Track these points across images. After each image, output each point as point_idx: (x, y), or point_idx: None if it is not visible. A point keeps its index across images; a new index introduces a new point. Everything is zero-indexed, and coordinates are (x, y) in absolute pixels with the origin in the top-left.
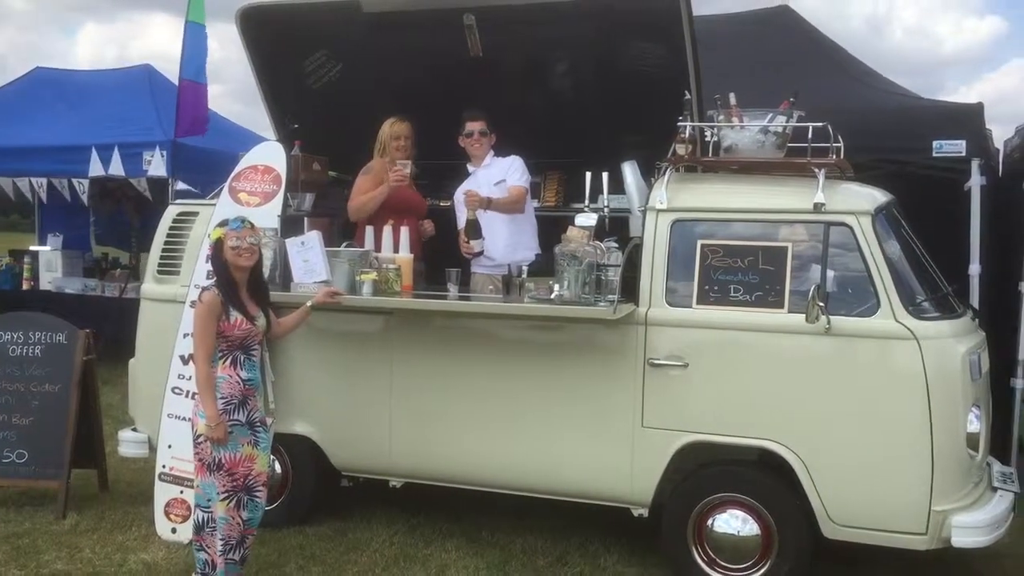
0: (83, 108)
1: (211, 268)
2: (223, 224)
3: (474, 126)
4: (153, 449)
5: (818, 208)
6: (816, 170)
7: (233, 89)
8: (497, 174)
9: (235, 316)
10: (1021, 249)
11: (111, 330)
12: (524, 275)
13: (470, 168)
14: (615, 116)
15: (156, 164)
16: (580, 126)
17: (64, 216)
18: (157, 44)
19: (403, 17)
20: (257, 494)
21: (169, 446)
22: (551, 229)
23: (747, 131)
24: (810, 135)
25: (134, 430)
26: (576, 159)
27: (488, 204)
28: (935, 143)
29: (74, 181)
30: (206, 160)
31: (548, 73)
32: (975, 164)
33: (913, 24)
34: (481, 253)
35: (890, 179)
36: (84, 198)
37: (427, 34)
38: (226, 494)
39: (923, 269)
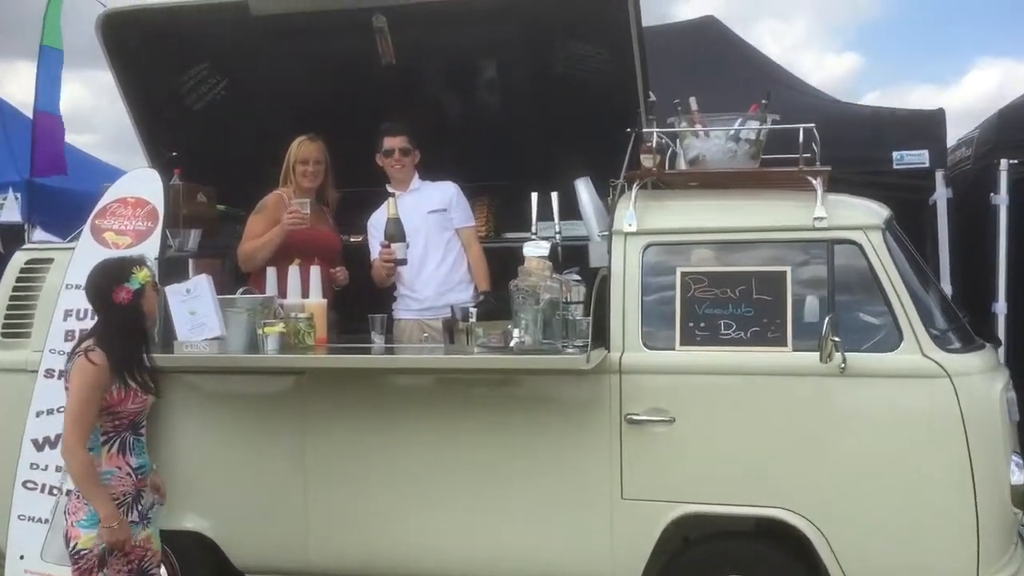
0: None
1: (106, 322)
2: (142, 264)
3: (394, 142)
4: (0, 557)
5: (818, 223)
6: (812, 179)
7: (107, 138)
8: (430, 201)
9: (130, 385)
10: (987, 267)
11: None
12: (472, 319)
13: (392, 192)
14: (552, 130)
15: (9, 208)
16: (511, 143)
17: None
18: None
19: (301, 21)
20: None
21: (21, 557)
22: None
23: (715, 139)
24: (801, 139)
25: None
26: (507, 180)
27: (487, 289)
28: (895, 154)
29: None
30: (69, 202)
31: (473, 83)
32: (940, 176)
33: (777, 59)
34: (404, 261)
35: (848, 192)
36: None
37: (331, 40)
38: None
39: (938, 293)
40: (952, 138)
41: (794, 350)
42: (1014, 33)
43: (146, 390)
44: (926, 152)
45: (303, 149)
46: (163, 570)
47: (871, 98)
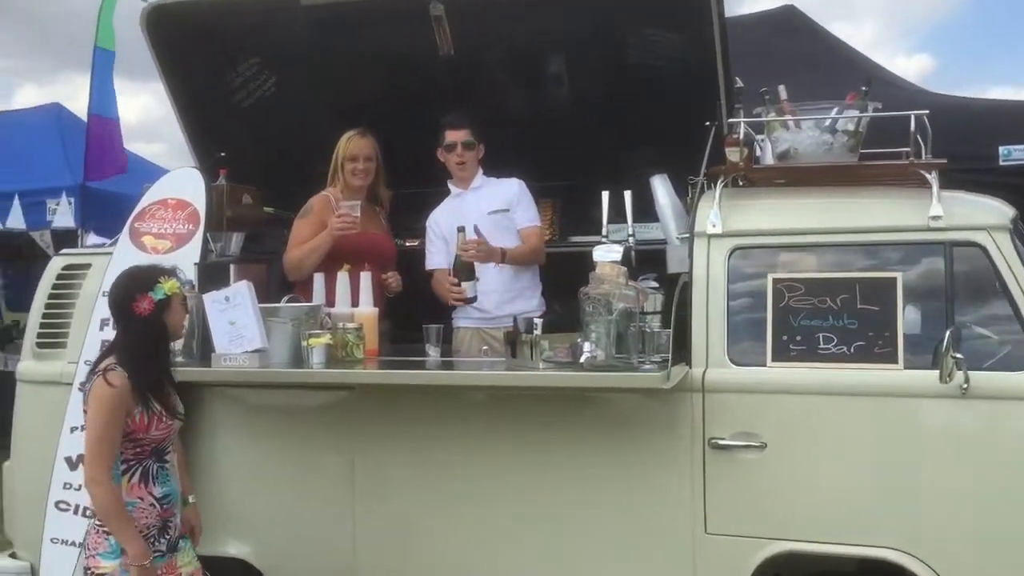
0: None
1: (126, 336)
2: (171, 274)
3: (456, 136)
4: None
5: (934, 223)
6: (926, 174)
7: (175, 147)
8: (492, 200)
9: (154, 409)
10: None
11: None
12: (537, 331)
13: (453, 189)
14: (623, 124)
15: (63, 213)
16: (579, 139)
17: None
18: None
19: (354, 11)
20: None
21: None
22: (547, 269)
23: (808, 131)
24: (912, 127)
25: (12, 555)
26: (574, 179)
27: (502, 257)
28: (1002, 149)
29: None
30: (122, 207)
31: (538, 74)
32: None
33: None
34: (475, 299)
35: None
36: None
37: (385, 31)
38: None
39: None
40: None
41: (906, 367)
42: None
43: (172, 415)
44: None
45: (352, 145)
46: None
47: None
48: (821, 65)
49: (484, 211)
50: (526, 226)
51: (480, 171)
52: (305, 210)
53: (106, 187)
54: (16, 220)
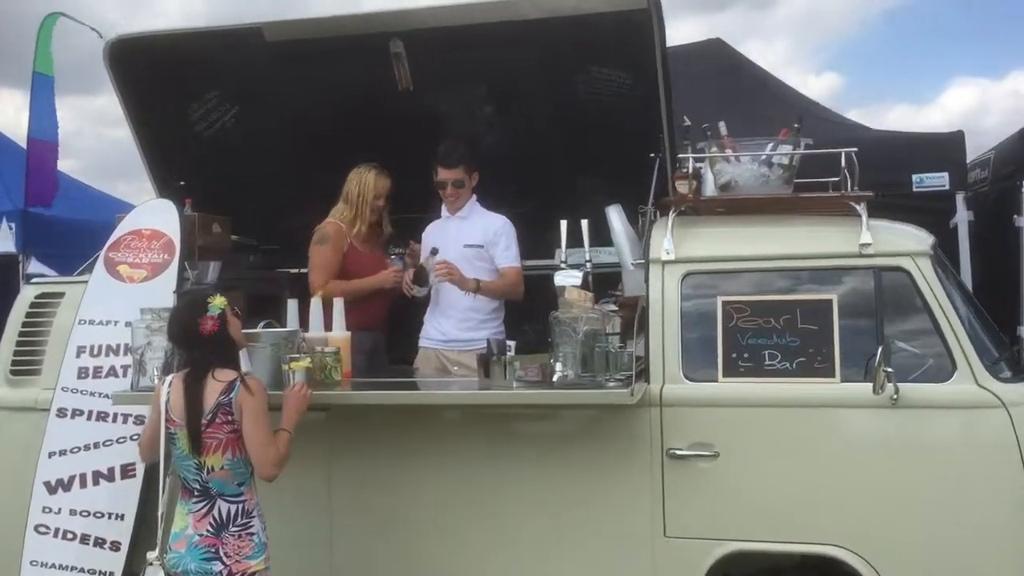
0: None
1: (210, 353)
2: (214, 293)
3: (447, 175)
4: None
5: (864, 250)
6: (856, 205)
7: (86, 165)
8: (472, 233)
9: None
10: (1007, 289)
11: None
12: (511, 351)
13: (443, 212)
14: (573, 156)
15: (3, 238)
16: (533, 169)
17: None
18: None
19: (316, 46)
20: None
21: None
22: None
23: (746, 164)
24: (843, 163)
25: None
26: (527, 207)
27: (476, 287)
28: (915, 177)
29: None
30: (64, 232)
31: (493, 108)
32: (960, 198)
33: None
34: (421, 297)
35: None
36: None
37: (346, 66)
38: None
39: (985, 320)
40: None
41: (842, 381)
42: (988, 54)
43: None
44: (946, 174)
45: (380, 184)
46: None
47: (852, 116)
48: (750, 96)
49: (461, 243)
50: (505, 266)
51: (472, 199)
52: (323, 237)
53: (47, 212)
54: None
